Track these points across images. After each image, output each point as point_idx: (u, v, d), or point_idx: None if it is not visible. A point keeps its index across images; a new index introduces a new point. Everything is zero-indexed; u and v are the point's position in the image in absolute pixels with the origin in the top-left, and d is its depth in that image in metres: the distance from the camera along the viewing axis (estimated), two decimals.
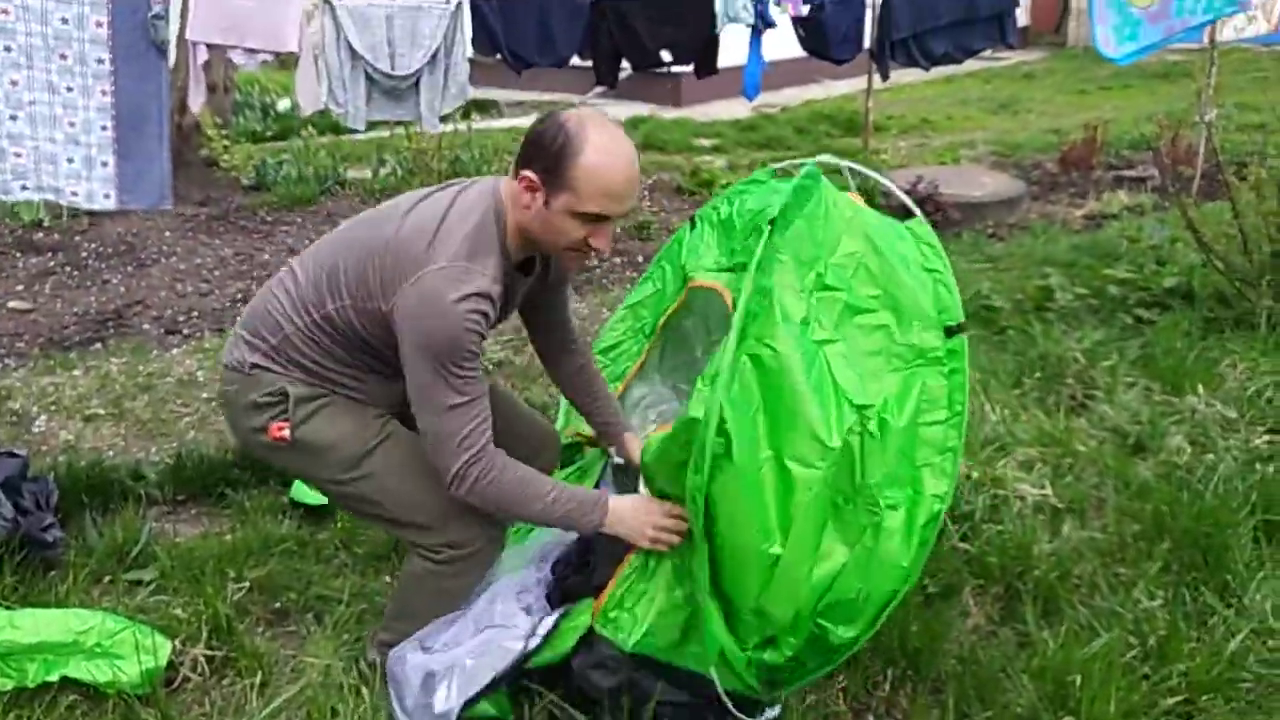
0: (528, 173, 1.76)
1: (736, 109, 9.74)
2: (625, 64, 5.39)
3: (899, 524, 1.67)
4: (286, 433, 1.92)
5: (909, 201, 2.00)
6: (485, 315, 1.77)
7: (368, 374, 1.96)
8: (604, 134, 1.73)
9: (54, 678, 2.11)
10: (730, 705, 1.77)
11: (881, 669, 2.12)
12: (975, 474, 2.79)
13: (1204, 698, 2.02)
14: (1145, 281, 4.24)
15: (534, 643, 1.86)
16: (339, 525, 2.70)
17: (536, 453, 2.16)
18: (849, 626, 1.67)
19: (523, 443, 2.09)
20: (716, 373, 1.70)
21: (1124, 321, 3.97)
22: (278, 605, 2.44)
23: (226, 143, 6.92)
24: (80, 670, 2.12)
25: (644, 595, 1.86)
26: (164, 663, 2.16)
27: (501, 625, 1.90)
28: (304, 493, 2.80)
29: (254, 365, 1.93)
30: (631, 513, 1.88)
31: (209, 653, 2.22)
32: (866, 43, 6.11)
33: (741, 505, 1.67)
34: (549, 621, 1.88)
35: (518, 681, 1.90)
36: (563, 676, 1.90)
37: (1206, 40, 5.68)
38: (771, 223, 1.86)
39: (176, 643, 2.22)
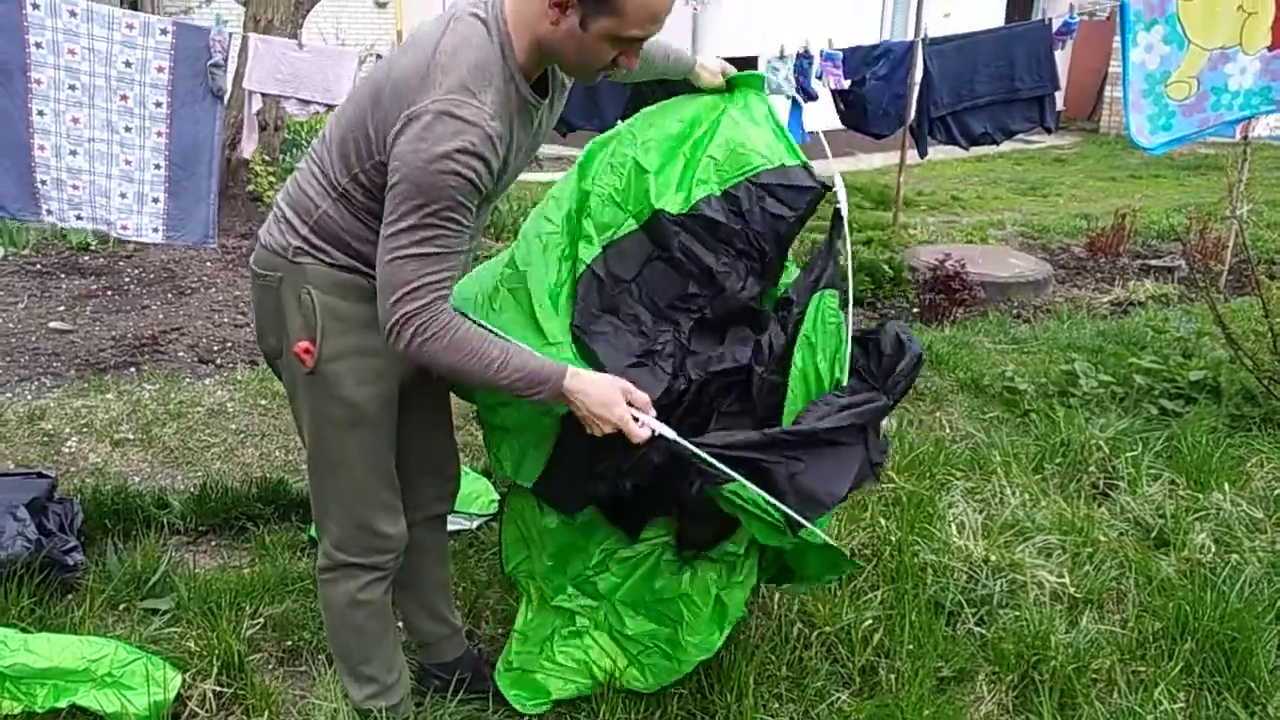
0: None
1: None
2: None
3: None
4: (310, 356, 1.82)
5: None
6: (482, 160, 1.61)
7: None
8: None
9: (63, 704, 2.12)
10: None
11: None
12: (993, 557, 2.77)
13: None
14: (1171, 373, 4.22)
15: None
16: None
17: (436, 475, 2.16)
18: None
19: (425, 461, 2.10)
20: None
21: (1149, 412, 3.95)
22: (290, 644, 2.44)
23: (272, 179, 7.07)
24: (89, 699, 2.13)
25: None
26: (172, 696, 2.16)
27: None
28: None
29: (298, 249, 1.80)
30: (590, 397, 1.78)
31: (218, 689, 2.22)
32: (907, 118, 6.19)
33: None
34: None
35: None
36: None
37: (1239, 135, 5.73)
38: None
39: (187, 676, 2.23)
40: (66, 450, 3.43)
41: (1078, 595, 2.68)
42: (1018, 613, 2.55)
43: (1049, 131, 6.22)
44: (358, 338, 1.82)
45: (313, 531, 2.86)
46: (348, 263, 1.80)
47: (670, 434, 1.83)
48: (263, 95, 4.03)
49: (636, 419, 1.80)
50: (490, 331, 1.77)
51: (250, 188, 7.00)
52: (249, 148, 4.02)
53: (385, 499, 1.94)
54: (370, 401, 1.85)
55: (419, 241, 1.62)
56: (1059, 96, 6.92)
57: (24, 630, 2.27)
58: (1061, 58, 6.80)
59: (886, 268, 5.92)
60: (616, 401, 1.78)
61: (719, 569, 2.12)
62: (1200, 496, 3.21)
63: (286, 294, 1.81)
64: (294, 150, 8.90)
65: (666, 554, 2.14)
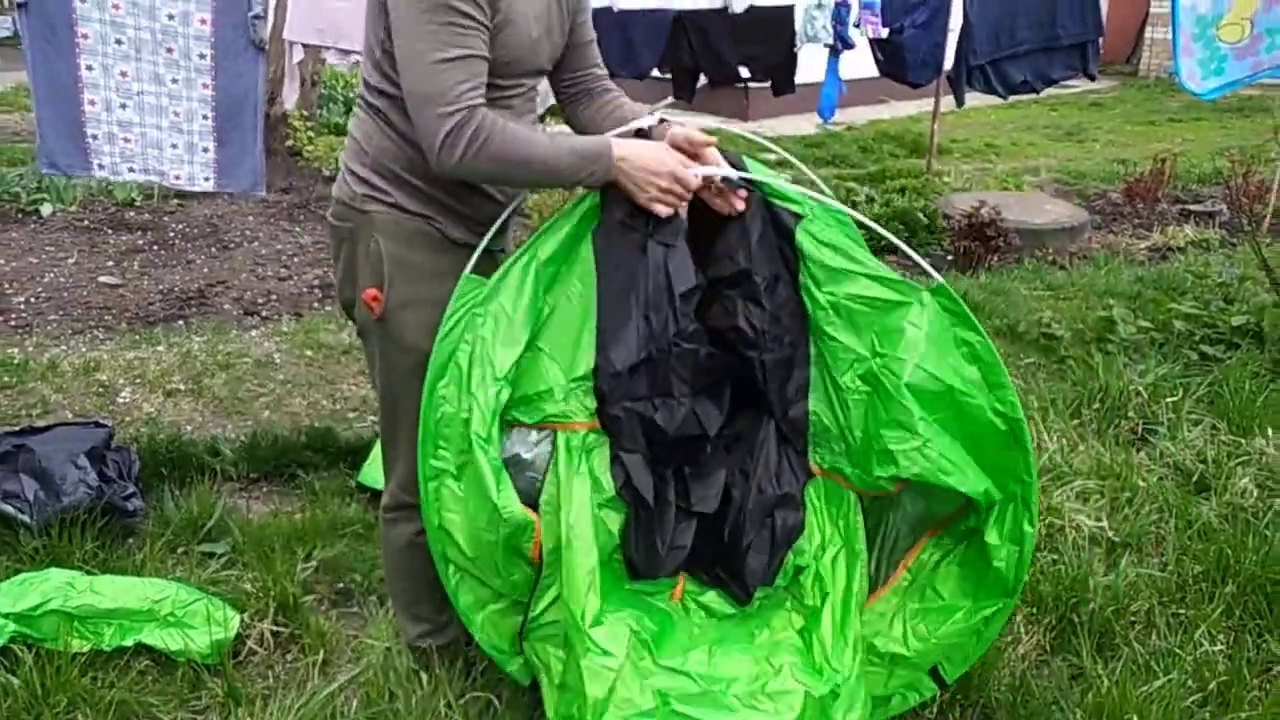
0: None
1: (803, 125, 9.73)
2: (702, 78, 5.44)
3: None
4: (378, 304, 1.85)
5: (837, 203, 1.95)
6: None
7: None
8: None
9: (129, 643, 2.20)
10: None
11: None
12: None
13: None
14: (1212, 318, 4.17)
15: None
16: None
17: None
18: None
19: None
20: None
21: (1189, 358, 3.91)
22: (342, 586, 2.52)
23: (311, 134, 7.10)
24: (154, 637, 2.21)
25: None
26: (232, 635, 2.24)
27: None
28: (371, 477, 2.88)
29: (365, 196, 1.84)
30: (640, 158, 1.75)
31: (275, 628, 2.29)
32: (945, 66, 6.08)
33: None
34: None
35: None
36: None
37: None
38: None
39: (244, 616, 2.30)
40: (121, 401, 3.52)
41: (1116, 539, 2.70)
42: (1056, 556, 2.57)
43: (1091, 78, 6.08)
44: (425, 287, 1.85)
45: (361, 478, 2.94)
46: (414, 207, 1.84)
47: (726, 171, 1.82)
48: (304, 46, 4.03)
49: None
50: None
51: (289, 143, 7.04)
52: (290, 99, 4.04)
53: None
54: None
55: (435, 47, 1.63)
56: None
57: (89, 573, 2.36)
58: None
59: (920, 215, 5.87)
60: (665, 157, 1.77)
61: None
62: (1242, 441, 3.19)
63: (357, 243, 1.86)
64: (330, 105, 8.92)
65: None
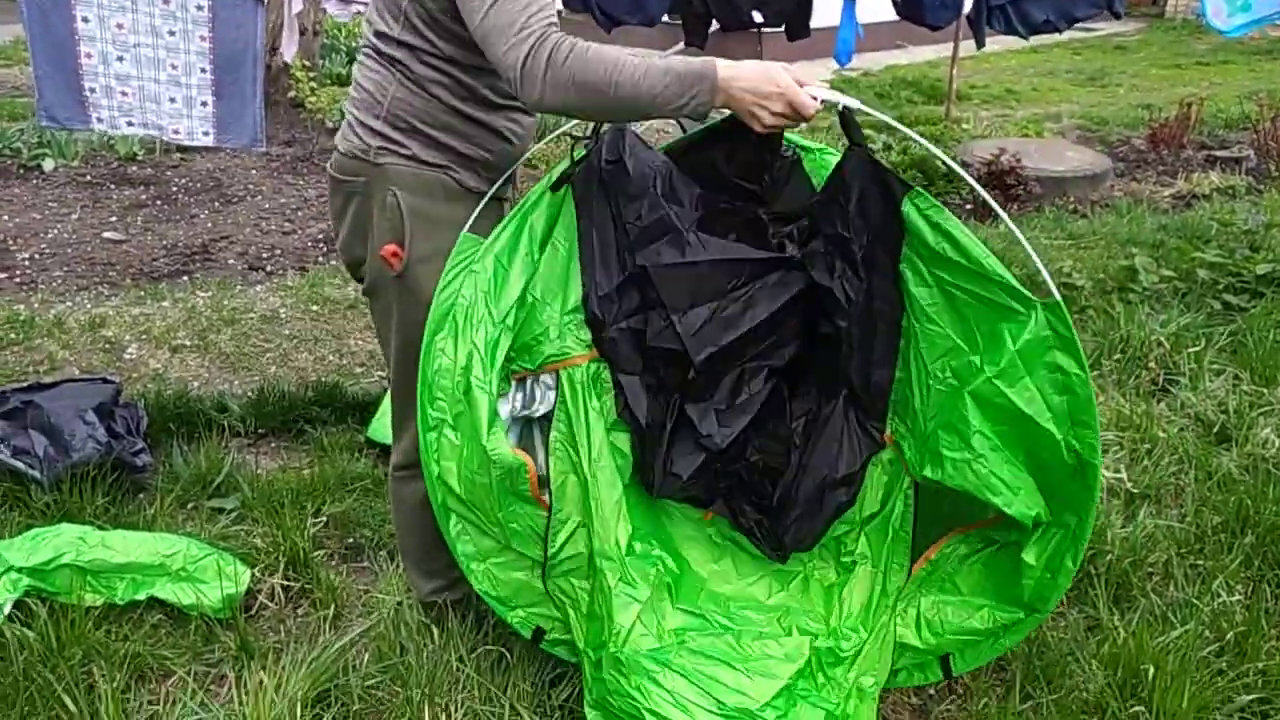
0: None
1: (818, 70, 9.55)
2: (714, 23, 5.30)
3: None
4: (398, 260, 1.79)
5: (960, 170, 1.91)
6: None
7: (477, 109, 1.80)
8: None
9: (141, 596, 2.21)
10: None
11: None
12: None
13: None
14: (1236, 267, 4.08)
15: None
16: None
17: None
18: None
19: None
20: None
21: (1212, 307, 3.84)
22: (352, 541, 2.51)
23: (313, 85, 7.01)
24: (166, 591, 2.22)
25: None
26: (243, 589, 2.24)
27: None
28: (380, 432, 2.87)
29: (380, 149, 1.78)
30: (749, 78, 1.58)
31: (286, 583, 2.30)
32: (965, 8, 5.90)
33: None
34: None
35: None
36: None
37: None
38: None
39: (255, 571, 2.31)
40: (128, 357, 3.51)
41: (1135, 490, 2.66)
42: None
43: (1117, 17, 5.89)
44: (444, 239, 1.81)
45: (369, 433, 2.92)
46: (431, 157, 1.79)
47: (843, 99, 1.65)
48: None
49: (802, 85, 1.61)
50: None
51: (291, 94, 6.95)
52: (289, 51, 3.97)
53: None
54: None
55: None
56: None
57: (100, 528, 2.36)
58: None
59: (939, 164, 5.75)
60: (778, 76, 1.58)
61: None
62: (1265, 391, 3.13)
63: (372, 198, 1.81)
64: (333, 55, 8.79)
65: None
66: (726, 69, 1.57)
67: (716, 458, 1.83)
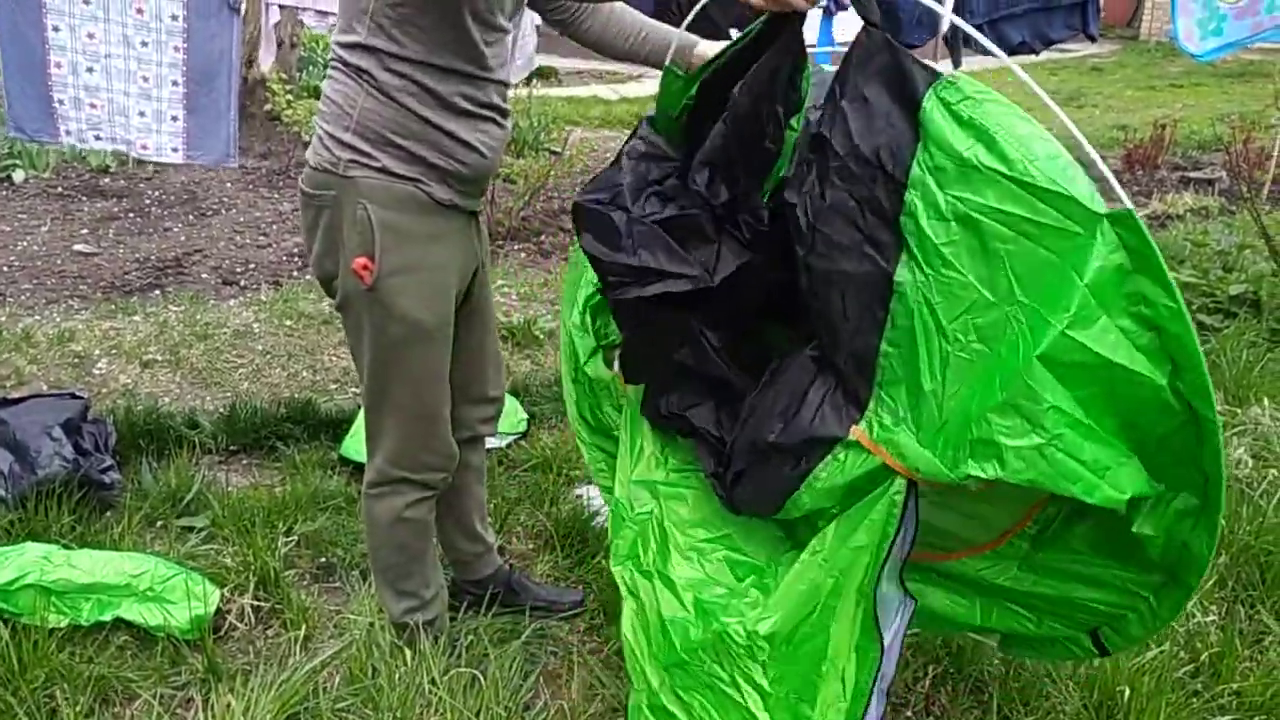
0: None
1: None
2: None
3: None
4: (368, 273, 1.78)
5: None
6: None
7: (447, 117, 1.79)
8: None
9: (107, 618, 2.16)
10: None
11: (922, 666, 2.10)
12: None
13: (1256, 719, 1.98)
14: (1210, 287, 4.13)
15: None
16: None
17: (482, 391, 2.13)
18: None
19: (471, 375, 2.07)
20: None
21: None
22: (324, 560, 2.48)
23: (290, 98, 6.97)
24: (132, 612, 2.17)
25: None
26: (212, 610, 2.20)
27: None
28: (353, 449, 2.83)
29: (349, 162, 1.77)
30: None
31: (256, 603, 2.26)
32: (942, 29, 5.97)
33: None
34: None
35: None
36: None
37: None
38: None
39: (225, 591, 2.27)
40: (97, 372, 3.46)
41: None
42: None
43: (1092, 40, 5.98)
44: (417, 253, 1.80)
45: (342, 451, 2.89)
46: (401, 170, 1.78)
47: None
48: (280, 7, 3.94)
49: None
50: None
51: (268, 107, 6.92)
52: (266, 63, 3.95)
53: (441, 416, 1.94)
54: (429, 318, 1.85)
55: None
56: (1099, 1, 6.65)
57: (66, 546, 2.31)
58: None
59: None
60: None
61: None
62: (1238, 411, 3.16)
63: (342, 211, 1.79)
64: (310, 68, 8.76)
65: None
66: None
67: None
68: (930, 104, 1.34)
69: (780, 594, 1.56)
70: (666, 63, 1.87)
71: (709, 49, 1.94)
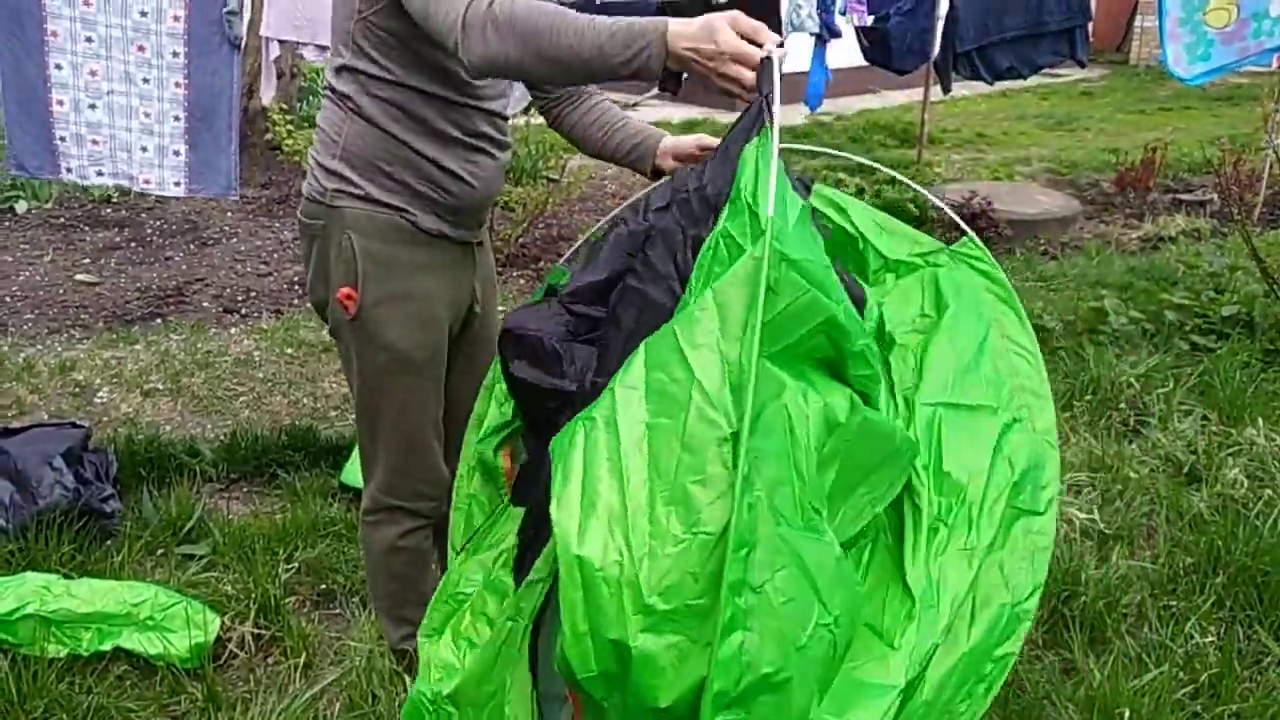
0: None
1: (791, 115, 9.69)
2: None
3: None
4: (352, 303, 1.79)
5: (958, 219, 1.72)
6: None
7: (432, 145, 1.78)
8: None
9: (107, 647, 2.17)
10: None
11: None
12: None
13: None
14: (1203, 309, 4.16)
15: None
16: None
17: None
18: None
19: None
20: None
21: (1180, 348, 3.90)
22: (324, 587, 2.48)
23: (290, 128, 7.01)
24: (132, 641, 2.18)
25: None
26: (213, 638, 2.21)
27: None
28: (353, 476, 2.84)
29: (335, 192, 1.78)
30: (693, 35, 1.40)
31: (256, 631, 2.27)
32: (932, 54, 6.05)
33: None
34: None
35: None
36: None
37: (1276, 64, 5.55)
38: None
39: (225, 619, 2.27)
40: (98, 401, 3.47)
41: (1108, 531, 2.68)
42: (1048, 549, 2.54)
43: (1080, 65, 6.06)
44: (401, 283, 1.80)
45: (343, 478, 2.90)
46: (385, 198, 1.78)
47: (782, 52, 1.40)
48: (280, 42, 3.99)
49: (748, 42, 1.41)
50: None
51: (268, 137, 6.96)
52: (267, 95, 3.99)
53: (429, 446, 1.94)
54: (415, 349, 1.85)
55: None
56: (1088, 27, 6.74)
57: (66, 576, 2.32)
58: None
59: (911, 206, 5.83)
60: (719, 27, 1.41)
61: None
62: (1233, 432, 3.17)
63: (329, 241, 1.81)
64: (310, 98, 8.83)
65: None
66: (676, 25, 1.42)
67: None
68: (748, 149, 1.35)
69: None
70: (630, 157, 1.89)
71: (676, 145, 1.87)
